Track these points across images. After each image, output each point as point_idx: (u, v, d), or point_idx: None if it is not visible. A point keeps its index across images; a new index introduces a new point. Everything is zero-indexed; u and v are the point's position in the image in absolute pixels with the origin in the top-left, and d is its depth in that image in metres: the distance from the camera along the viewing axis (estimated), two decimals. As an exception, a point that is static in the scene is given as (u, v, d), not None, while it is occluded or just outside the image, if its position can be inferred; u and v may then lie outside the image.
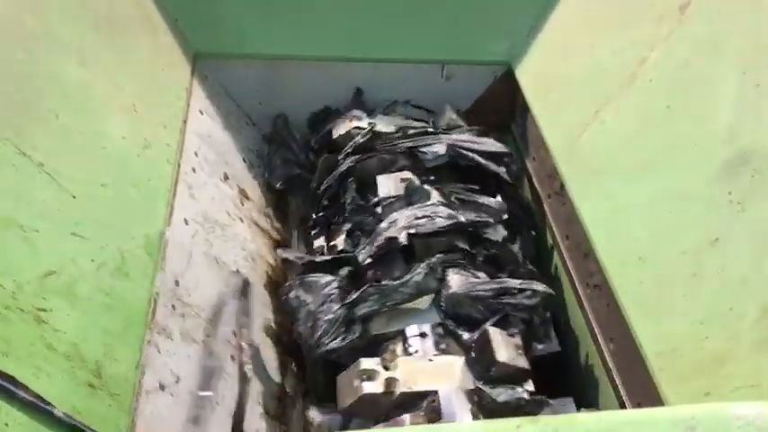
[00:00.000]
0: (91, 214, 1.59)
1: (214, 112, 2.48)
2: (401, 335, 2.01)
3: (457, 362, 1.91)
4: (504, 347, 1.88)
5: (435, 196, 2.30)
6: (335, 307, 2.04)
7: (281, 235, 2.53)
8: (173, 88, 2.25)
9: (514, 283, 2.05)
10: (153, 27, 2.30)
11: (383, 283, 2.04)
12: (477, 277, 2.08)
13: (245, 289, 2.10)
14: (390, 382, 1.84)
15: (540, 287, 2.05)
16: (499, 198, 2.34)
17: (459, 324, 2.00)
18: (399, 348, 1.99)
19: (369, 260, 2.15)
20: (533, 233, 2.42)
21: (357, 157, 2.46)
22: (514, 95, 2.63)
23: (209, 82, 2.51)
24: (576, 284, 2.10)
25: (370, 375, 1.86)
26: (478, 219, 2.21)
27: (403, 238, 2.11)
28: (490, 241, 2.18)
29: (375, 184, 2.38)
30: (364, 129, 2.54)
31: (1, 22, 1.66)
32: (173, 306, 1.72)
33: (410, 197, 2.28)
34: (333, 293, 2.09)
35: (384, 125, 2.57)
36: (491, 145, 2.47)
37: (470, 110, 2.76)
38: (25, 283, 1.33)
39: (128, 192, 1.76)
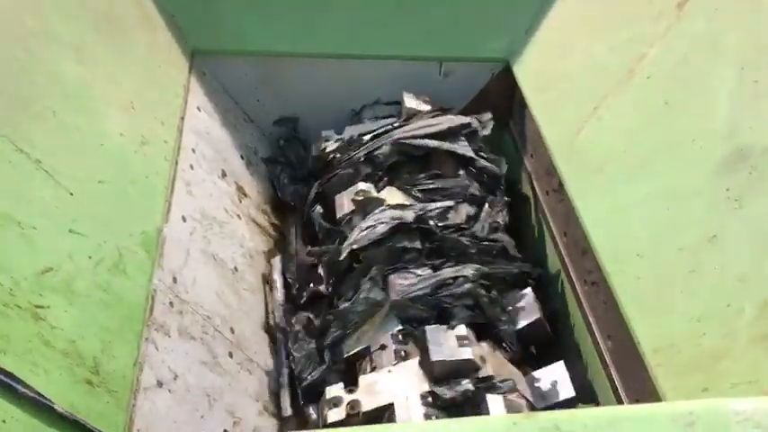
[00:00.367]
0: (88, 211, 1.59)
1: (212, 109, 2.47)
2: (367, 351, 2.02)
3: (411, 366, 1.90)
4: (441, 344, 1.86)
5: (399, 197, 2.30)
6: (306, 343, 2.07)
7: (279, 232, 2.53)
8: (170, 85, 2.24)
9: (449, 272, 2.04)
10: (151, 24, 2.29)
11: (340, 306, 2.05)
12: (419, 275, 2.06)
13: None
14: (354, 405, 1.83)
15: (471, 270, 2.03)
16: (462, 173, 2.32)
17: (415, 326, 1.99)
18: (367, 365, 1.99)
19: (329, 287, 2.16)
20: (507, 199, 2.40)
21: (319, 181, 2.47)
22: (512, 92, 2.63)
23: (206, 79, 2.51)
24: (575, 281, 2.11)
25: (335, 402, 1.85)
26: (436, 207, 2.20)
27: (343, 257, 2.13)
28: (435, 233, 2.15)
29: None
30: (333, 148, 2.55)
31: (-2, 18, 1.65)
32: (170, 303, 1.72)
33: (364, 210, 2.26)
34: (301, 331, 2.12)
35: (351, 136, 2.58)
36: (447, 121, 2.44)
37: (468, 107, 2.76)
38: (23, 279, 1.33)
39: (125, 189, 1.76)
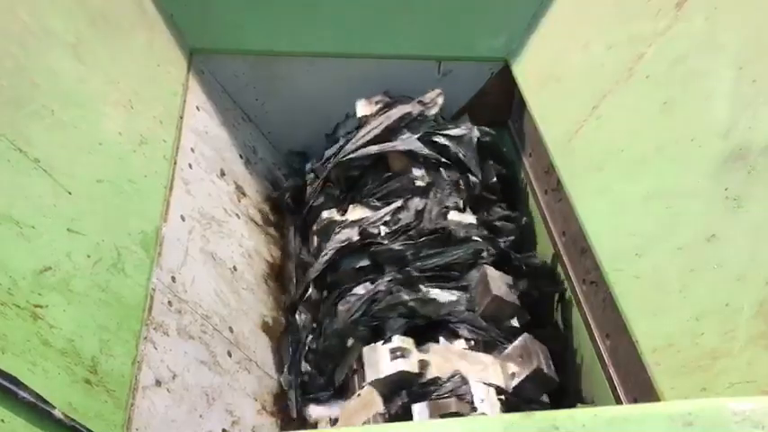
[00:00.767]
0: (87, 210, 1.59)
1: (210, 108, 2.47)
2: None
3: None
4: (376, 363, 1.85)
5: (361, 212, 2.29)
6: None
7: (279, 231, 2.53)
8: (169, 84, 2.24)
9: (380, 284, 2.02)
10: (149, 23, 2.29)
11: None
12: (358, 295, 2.04)
13: None
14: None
15: (388, 278, 2.01)
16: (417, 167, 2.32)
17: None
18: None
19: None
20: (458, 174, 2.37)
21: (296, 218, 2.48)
22: (511, 92, 2.63)
23: (205, 78, 2.51)
24: (573, 281, 2.11)
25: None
26: (385, 213, 2.21)
27: (302, 293, 2.19)
28: (378, 244, 2.14)
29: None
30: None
31: (-4, 17, 1.65)
32: (169, 302, 1.72)
33: (327, 238, 2.27)
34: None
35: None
36: (386, 120, 2.42)
37: (467, 106, 2.76)
38: (21, 279, 1.33)
39: (124, 188, 1.76)
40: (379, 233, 2.17)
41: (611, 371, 1.87)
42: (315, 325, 2.13)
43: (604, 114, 2.06)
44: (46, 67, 1.73)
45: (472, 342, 1.95)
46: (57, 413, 1.22)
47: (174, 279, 1.78)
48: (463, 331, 1.96)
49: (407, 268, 2.05)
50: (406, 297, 1.97)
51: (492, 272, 2.05)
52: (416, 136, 2.40)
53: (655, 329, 1.64)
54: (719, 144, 1.68)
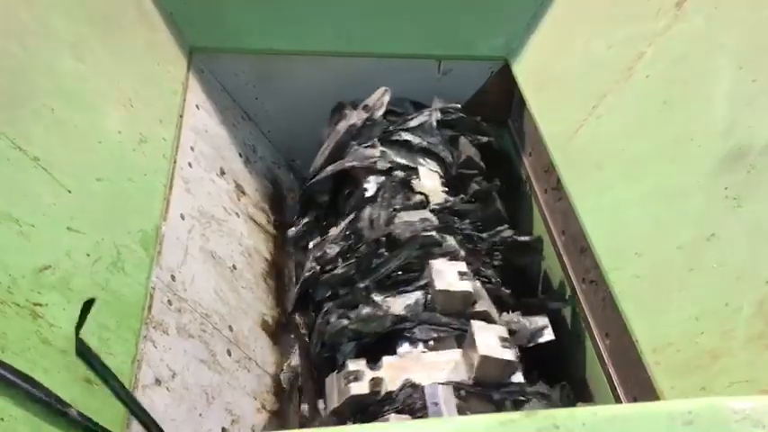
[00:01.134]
0: (86, 209, 1.59)
1: (210, 106, 2.47)
2: None
3: None
4: (331, 392, 1.85)
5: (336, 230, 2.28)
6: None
7: (278, 230, 2.53)
8: (169, 83, 2.24)
9: (329, 314, 2.02)
10: (149, 21, 2.29)
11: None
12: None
13: None
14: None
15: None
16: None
17: None
18: None
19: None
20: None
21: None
22: (511, 91, 2.63)
23: (205, 76, 2.51)
24: (573, 280, 2.11)
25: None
26: (339, 231, 2.21)
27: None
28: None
29: None
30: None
31: (-5, 15, 1.65)
32: (168, 301, 1.72)
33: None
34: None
35: None
36: (334, 137, 2.42)
37: (467, 105, 2.76)
38: (20, 277, 1.33)
39: (123, 186, 1.76)
40: (333, 256, 2.15)
41: (611, 370, 1.87)
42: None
43: (604, 113, 2.06)
44: (45, 66, 1.72)
45: (432, 342, 1.91)
46: (72, 412, 1.23)
47: (173, 278, 1.78)
48: (421, 334, 1.91)
49: (356, 285, 2.02)
50: (345, 322, 1.95)
51: (439, 265, 1.99)
52: (368, 144, 2.37)
53: (654, 329, 1.64)
54: (719, 143, 1.68)
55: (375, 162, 2.31)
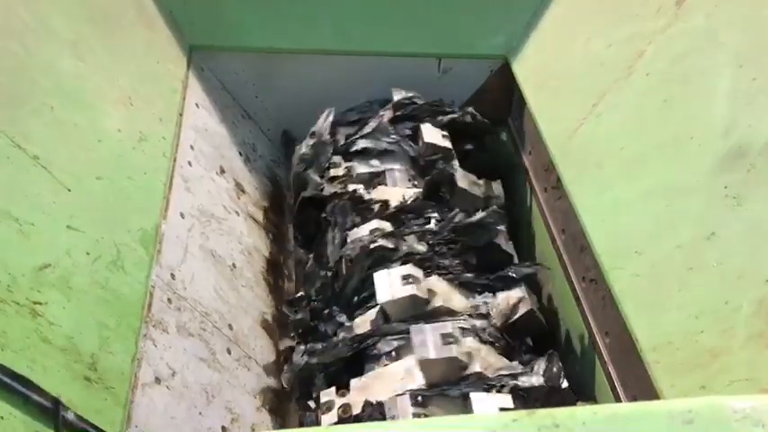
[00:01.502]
0: (86, 207, 1.59)
1: (210, 105, 2.47)
2: None
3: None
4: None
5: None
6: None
7: (278, 228, 2.52)
8: (168, 81, 2.24)
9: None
10: (148, 19, 2.29)
11: None
12: None
13: None
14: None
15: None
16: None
17: None
18: None
19: None
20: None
21: None
22: (511, 89, 2.63)
23: (205, 75, 2.50)
24: (573, 278, 2.11)
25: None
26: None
27: None
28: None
29: None
30: None
31: (-5, 13, 1.65)
32: (168, 299, 1.72)
33: None
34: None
35: None
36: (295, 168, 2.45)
37: (467, 104, 2.75)
38: (20, 276, 1.33)
39: (123, 185, 1.76)
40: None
41: (611, 369, 1.87)
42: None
43: (604, 112, 2.06)
44: (45, 65, 1.72)
45: (393, 353, 1.91)
46: (69, 415, 1.23)
47: (173, 276, 1.78)
48: (384, 347, 1.91)
49: (314, 322, 2.08)
50: (306, 358, 1.98)
51: (380, 277, 1.98)
52: (326, 165, 2.40)
53: (654, 327, 1.64)
54: (719, 142, 1.68)
55: (322, 189, 2.33)
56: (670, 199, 1.75)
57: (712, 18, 1.86)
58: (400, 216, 2.20)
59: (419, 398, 1.75)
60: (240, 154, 2.53)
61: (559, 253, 2.20)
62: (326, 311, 2.07)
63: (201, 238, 2.00)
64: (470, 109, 2.53)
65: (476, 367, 1.83)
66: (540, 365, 1.86)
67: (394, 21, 2.55)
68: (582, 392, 2.01)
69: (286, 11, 2.48)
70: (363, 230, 2.17)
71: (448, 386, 1.79)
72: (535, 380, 1.82)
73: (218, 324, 1.89)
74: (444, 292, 2.01)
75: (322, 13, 2.50)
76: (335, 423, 1.77)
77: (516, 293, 2.03)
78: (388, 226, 2.17)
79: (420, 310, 1.95)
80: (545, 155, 2.26)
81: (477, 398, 1.73)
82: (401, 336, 1.91)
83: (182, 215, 1.94)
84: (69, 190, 1.56)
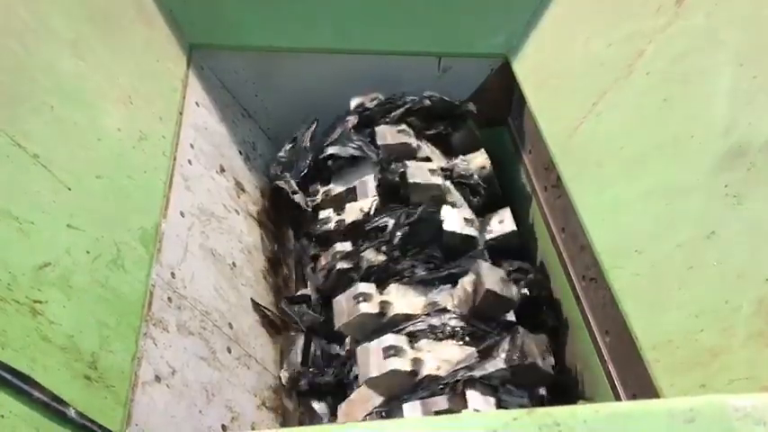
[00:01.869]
0: (86, 206, 1.58)
1: (210, 103, 2.47)
2: None
3: None
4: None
5: None
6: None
7: (277, 227, 2.52)
8: (168, 80, 2.24)
9: None
10: (148, 18, 2.29)
11: None
12: None
13: None
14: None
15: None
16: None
17: None
18: None
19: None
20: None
21: None
22: (511, 88, 2.62)
23: (205, 73, 2.50)
24: (572, 277, 2.11)
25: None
26: None
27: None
28: None
29: None
30: None
31: (-5, 12, 1.65)
32: (168, 298, 1.72)
33: None
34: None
35: None
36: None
37: (466, 102, 2.75)
38: (20, 274, 1.33)
39: (123, 184, 1.75)
40: None
41: (610, 367, 1.87)
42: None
43: (604, 111, 2.06)
44: (45, 64, 1.72)
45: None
46: (71, 412, 1.23)
47: (173, 275, 1.78)
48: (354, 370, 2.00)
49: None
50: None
51: (337, 304, 2.04)
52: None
53: (654, 326, 1.64)
54: (719, 141, 1.68)
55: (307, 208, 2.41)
56: (670, 198, 1.75)
57: (712, 17, 1.86)
58: (363, 230, 2.21)
59: (383, 414, 1.79)
60: (240, 153, 2.53)
61: (559, 252, 2.20)
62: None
63: (201, 237, 2.00)
64: (428, 92, 2.52)
65: (424, 371, 1.83)
66: (504, 346, 1.84)
67: (394, 20, 2.55)
68: (581, 391, 2.02)
69: (286, 10, 2.48)
70: (327, 257, 2.23)
71: (405, 396, 1.81)
72: (491, 366, 1.80)
73: (218, 323, 1.89)
74: (401, 299, 2.02)
75: (322, 12, 2.50)
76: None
77: (469, 278, 1.99)
78: (348, 246, 2.21)
79: (378, 325, 1.96)
80: (545, 154, 2.26)
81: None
82: None
83: (182, 214, 1.94)
84: (69, 189, 1.56)
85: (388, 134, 2.41)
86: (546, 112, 2.34)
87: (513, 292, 1.97)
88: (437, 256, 2.10)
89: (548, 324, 2.14)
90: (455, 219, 2.14)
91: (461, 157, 2.44)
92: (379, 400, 1.83)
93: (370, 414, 1.81)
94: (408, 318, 1.95)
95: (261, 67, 2.62)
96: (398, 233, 2.10)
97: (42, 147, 1.54)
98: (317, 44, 2.56)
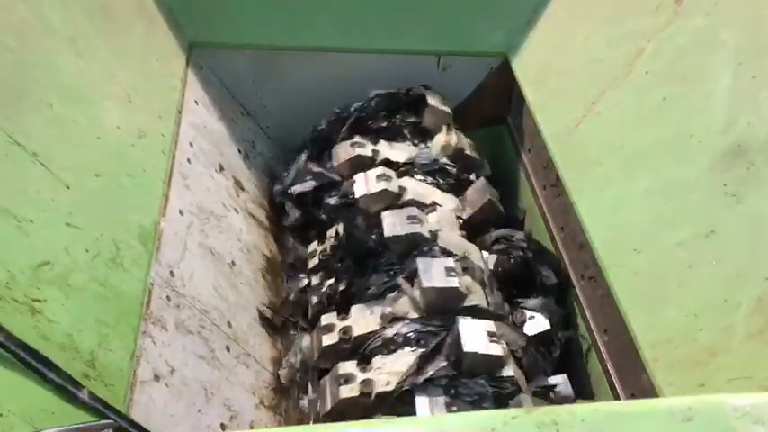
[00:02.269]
0: (85, 204, 1.58)
1: (209, 102, 2.46)
2: None
3: None
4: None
5: None
6: None
7: (277, 226, 2.52)
8: (167, 78, 2.24)
9: None
10: (147, 16, 2.28)
11: None
12: None
13: None
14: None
15: None
16: None
17: None
18: None
19: None
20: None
21: None
22: (510, 87, 2.63)
23: (204, 72, 2.50)
24: (572, 276, 2.11)
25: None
26: None
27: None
28: None
29: None
30: None
31: (-6, 10, 1.64)
32: (167, 297, 1.72)
33: None
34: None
35: None
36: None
37: (466, 102, 2.75)
38: (19, 273, 1.33)
39: (122, 182, 1.75)
40: None
41: (609, 366, 1.87)
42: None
43: (604, 110, 2.06)
44: (44, 61, 1.72)
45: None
46: (82, 394, 1.25)
47: (172, 274, 1.78)
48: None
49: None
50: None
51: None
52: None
53: (653, 325, 1.64)
54: (719, 140, 1.68)
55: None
56: (669, 197, 1.75)
57: (712, 16, 1.86)
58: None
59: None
60: (239, 151, 2.53)
61: (558, 250, 2.20)
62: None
63: (200, 236, 2.00)
64: (373, 92, 2.54)
65: (376, 389, 1.82)
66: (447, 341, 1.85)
67: (394, 18, 2.55)
68: (580, 390, 2.02)
69: (285, 8, 2.48)
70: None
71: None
72: (431, 367, 1.81)
73: (217, 321, 1.89)
74: (360, 319, 2.03)
75: (321, 11, 2.50)
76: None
77: (407, 278, 2.02)
78: (315, 280, 2.24)
79: (345, 352, 1.97)
80: (544, 153, 2.26)
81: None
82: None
83: (181, 212, 1.94)
84: (68, 187, 1.56)
85: (341, 152, 2.43)
86: (545, 110, 2.34)
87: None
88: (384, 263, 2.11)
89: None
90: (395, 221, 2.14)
91: (422, 144, 2.49)
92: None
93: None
94: (368, 336, 1.95)
95: (260, 66, 2.62)
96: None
97: (41, 145, 1.54)
98: (316, 43, 2.56)
